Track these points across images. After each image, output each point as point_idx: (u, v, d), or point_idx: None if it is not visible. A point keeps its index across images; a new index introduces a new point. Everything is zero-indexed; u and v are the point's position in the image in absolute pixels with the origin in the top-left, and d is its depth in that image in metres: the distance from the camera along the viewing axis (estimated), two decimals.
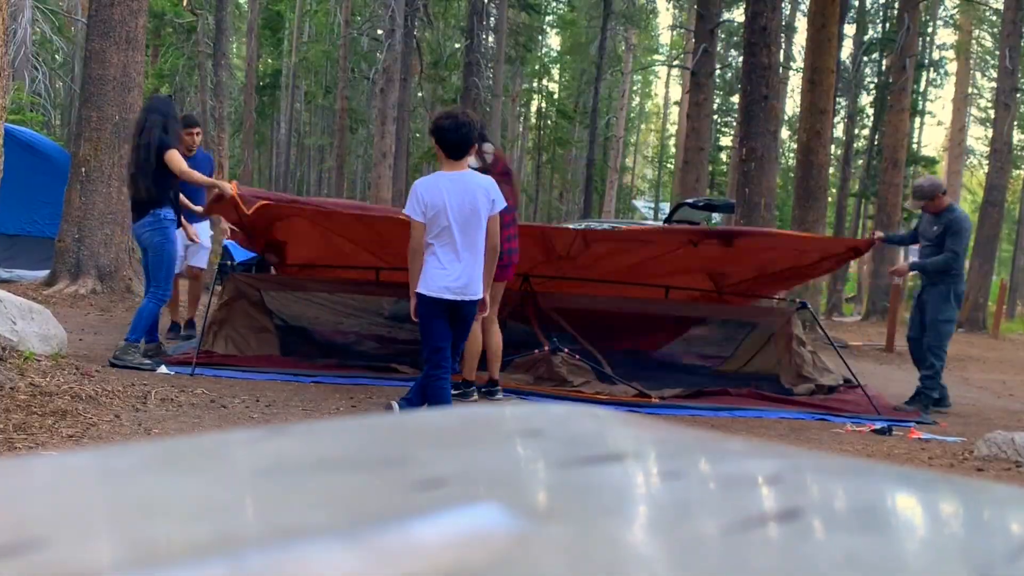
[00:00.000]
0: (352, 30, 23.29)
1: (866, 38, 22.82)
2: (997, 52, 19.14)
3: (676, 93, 44.70)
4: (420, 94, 26.82)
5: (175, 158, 5.20)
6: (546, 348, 5.74)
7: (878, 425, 5.17)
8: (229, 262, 8.69)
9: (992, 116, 18.93)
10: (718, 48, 21.08)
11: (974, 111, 35.13)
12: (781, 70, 21.71)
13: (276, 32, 30.96)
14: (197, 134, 6.39)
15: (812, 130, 11.26)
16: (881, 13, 24.01)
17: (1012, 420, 5.79)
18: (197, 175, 5.39)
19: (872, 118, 23.22)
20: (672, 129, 42.69)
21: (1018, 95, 16.65)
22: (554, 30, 36.71)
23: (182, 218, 5.61)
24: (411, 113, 25.15)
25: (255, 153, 30.59)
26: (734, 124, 27.88)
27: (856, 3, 22.82)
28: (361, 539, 0.38)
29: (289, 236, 6.22)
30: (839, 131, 24.66)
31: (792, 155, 27.32)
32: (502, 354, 5.24)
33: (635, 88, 44.16)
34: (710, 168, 23.69)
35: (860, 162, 24.32)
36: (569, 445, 0.56)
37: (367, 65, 25.69)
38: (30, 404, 3.72)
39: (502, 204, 4.12)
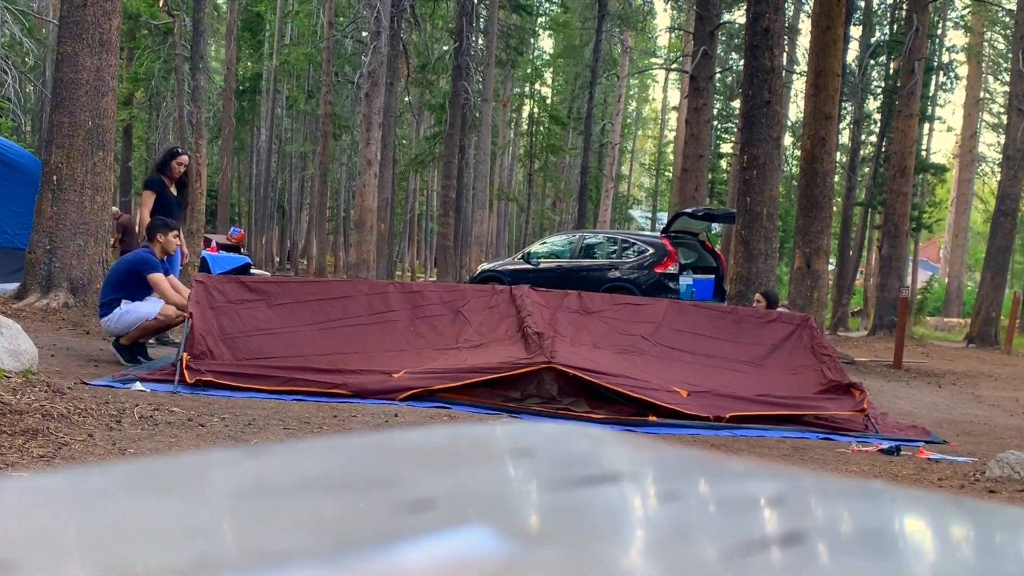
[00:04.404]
0: (336, 32, 23.09)
1: (873, 40, 22.83)
2: (1010, 55, 19.04)
3: (674, 98, 44.89)
4: (407, 99, 26.73)
5: None
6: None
7: (885, 445, 5.08)
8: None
9: (1005, 121, 18.76)
10: (718, 51, 21.14)
11: (986, 116, 35.09)
12: (784, 74, 21.71)
13: (256, 34, 30.84)
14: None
15: (816, 136, 11.22)
16: (889, 14, 23.98)
17: None
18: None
19: (879, 124, 23.21)
20: (670, 135, 42.74)
21: None
22: (547, 32, 36.56)
23: None
24: (397, 119, 25.09)
25: (234, 160, 30.55)
26: (735, 130, 27.93)
27: (863, 4, 22.82)
28: (346, 564, 0.38)
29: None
30: (845, 137, 24.72)
31: (795, 162, 27.38)
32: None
33: (631, 93, 44.18)
34: (710, 176, 23.69)
35: (867, 170, 24.28)
36: (562, 465, 0.55)
37: (351, 69, 25.51)
38: None
39: None
